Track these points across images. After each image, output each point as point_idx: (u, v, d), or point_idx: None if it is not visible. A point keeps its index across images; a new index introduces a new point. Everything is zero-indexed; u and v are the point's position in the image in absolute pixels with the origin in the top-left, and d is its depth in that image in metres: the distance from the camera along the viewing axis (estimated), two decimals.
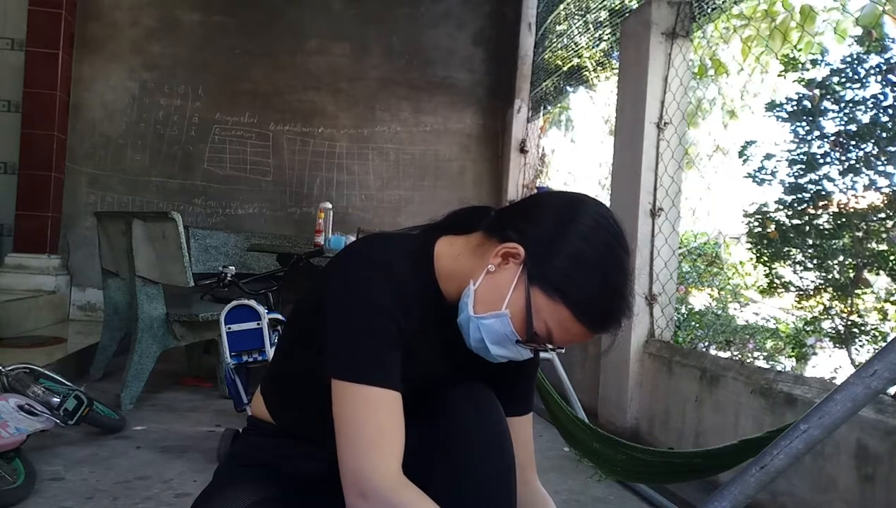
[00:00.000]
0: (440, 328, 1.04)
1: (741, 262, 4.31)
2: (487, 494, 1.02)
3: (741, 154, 2.84)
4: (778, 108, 2.62)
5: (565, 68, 4.55)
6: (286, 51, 5.26)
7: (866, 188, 2.42)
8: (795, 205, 2.63)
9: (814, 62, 2.56)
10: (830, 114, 2.48)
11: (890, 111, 2.30)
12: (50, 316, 4.56)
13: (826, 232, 2.55)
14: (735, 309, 3.95)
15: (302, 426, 1.13)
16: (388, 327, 0.95)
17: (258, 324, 2.51)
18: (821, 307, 2.66)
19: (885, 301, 2.60)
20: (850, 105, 2.41)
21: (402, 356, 0.96)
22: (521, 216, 1.02)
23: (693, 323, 3.61)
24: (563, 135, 5.93)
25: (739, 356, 3.34)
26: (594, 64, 4.13)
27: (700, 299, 4.23)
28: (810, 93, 2.49)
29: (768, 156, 2.72)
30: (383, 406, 0.92)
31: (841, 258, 2.54)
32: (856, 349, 2.50)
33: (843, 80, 2.40)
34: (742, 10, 3.82)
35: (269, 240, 4.52)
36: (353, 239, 3.54)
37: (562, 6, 4.66)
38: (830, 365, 3.03)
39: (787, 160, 2.66)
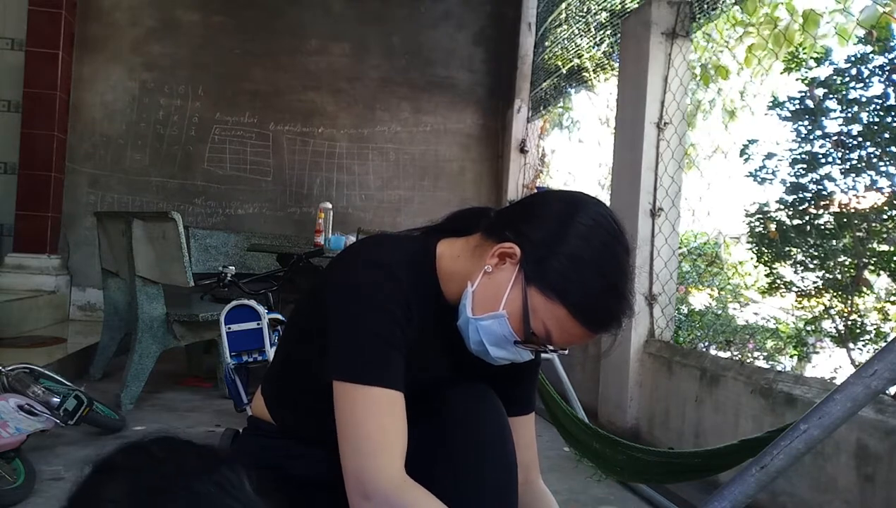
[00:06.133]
0: (441, 329, 1.04)
1: (741, 262, 4.32)
2: (489, 494, 1.02)
3: (742, 153, 2.84)
4: (780, 107, 2.62)
5: (565, 70, 4.55)
6: (286, 51, 5.26)
7: (867, 188, 2.42)
8: (796, 204, 2.62)
9: (817, 60, 2.55)
10: (833, 114, 2.48)
11: (893, 112, 2.29)
12: (50, 316, 4.56)
13: (827, 232, 2.55)
14: (735, 309, 3.95)
15: (302, 426, 1.13)
16: (389, 328, 0.94)
17: (258, 324, 2.51)
18: (821, 307, 2.65)
19: (886, 301, 2.60)
20: (853, 104, 2.40)
21: (403, 357, 0.96)
22: (519, 216, 1.02)
23: (693, 323, 3.61)
24: (565, 136, 5.93)
25: (739, 356, 3.34)
26: (594, 65, 4.13)
27: (700, 299, 4.23)
28: (812, 93, 2.48)
29: (769, 156, 2.72)
30: (385, 406, 0.92)
31: (842, 258, 2.54)
32: (858, 349, 2.50)
33: (847, 79, 2.39)
34: (744, 17, 3.82)
35: (269, 240, 4.52)
36: (353, 239, 3.55)
37: (562, 6, 4.66)
38: (830, 365, 3.03)
39: (788, 159, 2.65)
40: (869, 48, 2.39)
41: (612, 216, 0.98)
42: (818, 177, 2.55)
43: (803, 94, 2.55)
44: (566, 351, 1.02)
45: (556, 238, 0.95)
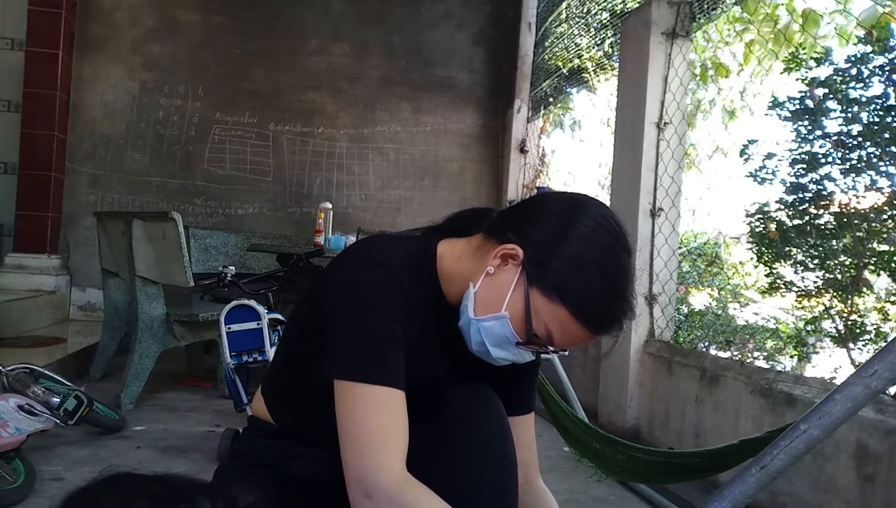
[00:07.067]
0: (441, 329, 1.04)
1: (741, 262, 4.32)
2: (489, 494, 1.02)
3: (742, 153, 2.84)
4: (780, 107, 2.62)
5: (565, 70, 4.55)
6: (286, 51, 5.26)
7: (867, 188, 2.42)
8: (796, 204, 2.62)
9: (817, 60, 2.55)
10: (833, 114, 2.48)
11: (893, 112, 2.29)
12: (50, 316, 4.56)
13: (827, 232, 2.55)
14: (735, 309, 3.95)
15: (302, 426, 1.13)
16: (390, 327, 0.94)
17: (258, 324, 2.51)
18: (821, 307, 2.65)
19: (886, 301, 2.60)
20: (853, 104, 2.40)
21: (404, 356, 0.96)
22: (521, 217, 1.02)
23: (693, 323, 3.62)
24: (565, 136, 5.93)
25: (739, 356, 3.35)
26: (594, 65, 4.13)
27: (700, 299, 4.23)
28: (812, 93, 2.48)
29: (769, 156, 2.72)
30: (386, 405, 0.92)
31: (842, 258, 2.54)
32: (858, 349, 2.50)
33: (847, 78, 2.39)
34: (744, 15, 3.83)
35: (269, 240, 4.52)
36: (353, 239, 3.55)
37: (562, 6, 4.66)
38: (830, 365, 3.03)
39: (788, 159, 2.65)
40: (869, 48, 2.39)
41: (613, 217, 0.98)
42: (818, 177, 2.55)
43: (803, 94, 2.54)
44: (566, 352, 1.02)
45: (558, 239, 0.95)
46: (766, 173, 2.72)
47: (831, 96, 2.45)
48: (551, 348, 0.98)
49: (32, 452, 2.20)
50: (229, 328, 2.49)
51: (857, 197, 2.43)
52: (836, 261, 2.53)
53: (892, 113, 2.30)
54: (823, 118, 2.49)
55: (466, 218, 1.10)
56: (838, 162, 2.48)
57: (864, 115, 2.38)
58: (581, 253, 0.94)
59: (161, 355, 3.11)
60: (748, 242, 3.03)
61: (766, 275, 2.87)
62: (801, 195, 2.60)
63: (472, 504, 1.00)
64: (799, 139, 2.60)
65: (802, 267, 2.69)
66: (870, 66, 2.36)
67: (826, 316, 2.64)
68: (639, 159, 2.98)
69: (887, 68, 2.31)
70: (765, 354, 3.58)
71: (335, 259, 1.08)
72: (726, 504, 1.09)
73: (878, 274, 2.48)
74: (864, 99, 2.38)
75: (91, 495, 0.57)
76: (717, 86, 5.37)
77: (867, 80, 2.37)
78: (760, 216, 2.81)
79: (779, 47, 3.49)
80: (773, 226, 2.74)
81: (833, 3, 3.36)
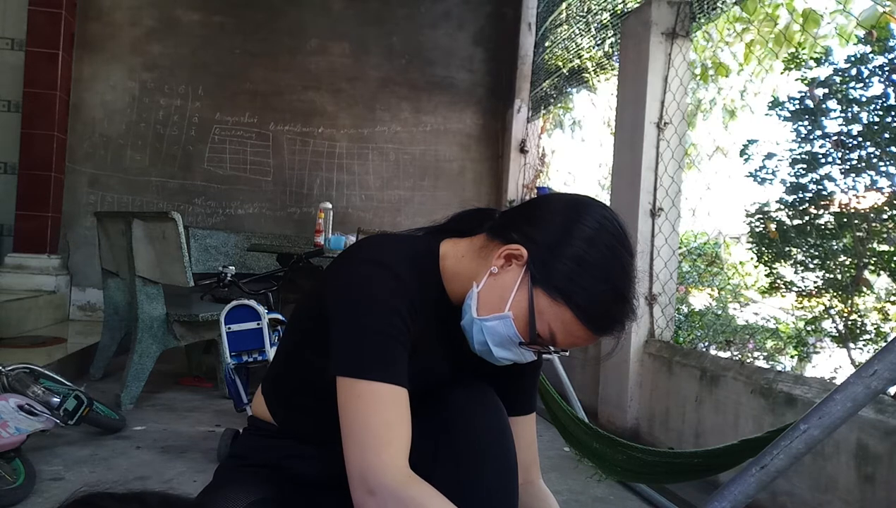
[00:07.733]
0: (444, 329, 1.04)
1: (741, 262, 4.32)
2: (489, 495, 1.02)
3: (742, 153, 2.84)
4: (780, 107, 2.62)
5: (565, 70, 4.55)
6: (286, 51, 5.26)
7: (867, 188, 2.42)
8: (796, 204, 2.62)
9: (817, 60, 2.55)
10: (833, 114, 2.48)
11: (893, 112, 2.29)
12: (50, 316, 4.56)
13: (827, 232, 2.55)
14: (735, 309, 3.95)
15: (302, 426, 1.13)
16: (393, 324, 0.94)
17: (258, 324, 2.51)
18: (821, 307, 2.65)
19: (886, 301, 2.60)
20: (853, 104, 2.40)
21: (407, 354, 0.96)
22: (524, 218, 1.02)
23: (693, 323, 3.61)
24: (565, 136, 5.93)
25: (739, 356, 3.34)
26: (594, 65, 4.13)
27: (700, 299, 4.23)
28: (812, 93, 2.48)
29: (769, 156, 2.72)
30: (390, 401, 0.92)
31: (842, 258, 2.54)
32: (858, 349, 2.50)
33: (847, 78, 2.39)
34: (744, 15, 3.83)
35: (269, 240, 4.53)
36: (353, 239, 3.55)
37: (562, 6, 4.66)
38: (830, 365, 3.03)
39: (788, 159, 2.65)
40: (869, 48, 2.39)
41: (616, 219, 0.99)
42: (818, 177, 2.55)
43: (803, 94, 2.54)
44: (567, 353, 1.02)
45: (562, 240, 0.95)
46: (766, 173, 2.72)
47: (831, 96, 2.45)
48: (553, 348, 0.98)
49: (32, 452, 2.20)
50: (229, 328, 2.49)
51: (857, 197, 2.43)
52: (836, 261, 2.53)
53: (892, 113, 2.30)
54: (823, 118, 2.49)
55: (469, 218, 1.10)
56: (838, 162, 2.47)
57: (864, 115, 2.38)
58: (584, 254, 0.94)
59: (161, 355, 3.11)
60: (748, 242, 3.03)
61: (766, 275, 2.87)
62: (801, 195, 2.60)
63: (473, 504, 1.00)
64: (799, 139, 2.60)
65: (802, 267, 2.69)
66: (870, 66, 2.36)
67: (826, 316, 2.64)
68: (639, 159, 2.98)
69: (887, 68, 2.31)
70: (765, 354, 3.58)
71: (337, 258, 1.08)
72: (726, 504, 1.09)
73: (878, 274, 2.48)
74: (864, 99, 2.38)
75: None
76: (717, 86, 5.37)
77: (867, 80, 2.37)
78: (760, 216, 2.80)
79: (779, 47, 3.49)
80: (773, 226, 2.74)
81: (833, 3, 3.36)
